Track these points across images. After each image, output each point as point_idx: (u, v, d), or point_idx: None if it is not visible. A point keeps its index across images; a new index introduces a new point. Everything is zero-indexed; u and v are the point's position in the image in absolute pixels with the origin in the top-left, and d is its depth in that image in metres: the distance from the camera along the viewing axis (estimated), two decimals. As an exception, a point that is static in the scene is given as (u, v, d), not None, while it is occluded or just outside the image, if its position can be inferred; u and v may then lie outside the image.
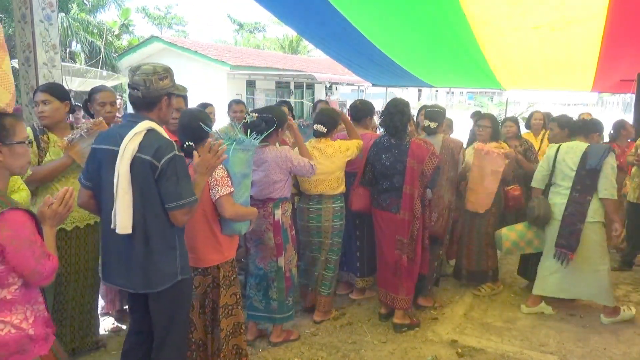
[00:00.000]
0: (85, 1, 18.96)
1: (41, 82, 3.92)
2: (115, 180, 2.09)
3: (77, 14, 17.69)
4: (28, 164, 1.89)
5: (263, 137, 2.91)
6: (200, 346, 2.76)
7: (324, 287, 3.69)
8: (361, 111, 4.03)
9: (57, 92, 2.90)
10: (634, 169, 4.82)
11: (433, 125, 3.90)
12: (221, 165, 2.55)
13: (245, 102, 15.67)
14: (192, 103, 4.54)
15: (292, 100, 17.58)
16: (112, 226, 2.12)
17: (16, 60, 4.38)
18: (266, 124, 3.04)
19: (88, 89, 3.73)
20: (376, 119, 5.39)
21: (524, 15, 4.63)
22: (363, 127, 3.97)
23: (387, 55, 6.82)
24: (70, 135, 2.78)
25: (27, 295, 1.77)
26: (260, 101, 16.64)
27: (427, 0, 4.73)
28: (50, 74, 4.04)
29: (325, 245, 3.63)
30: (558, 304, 4.07)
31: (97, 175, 2.24)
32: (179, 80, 2.42)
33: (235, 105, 4.81)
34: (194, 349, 2.75)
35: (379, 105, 17.89)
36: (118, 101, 6.58)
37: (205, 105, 4.44)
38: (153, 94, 2.19)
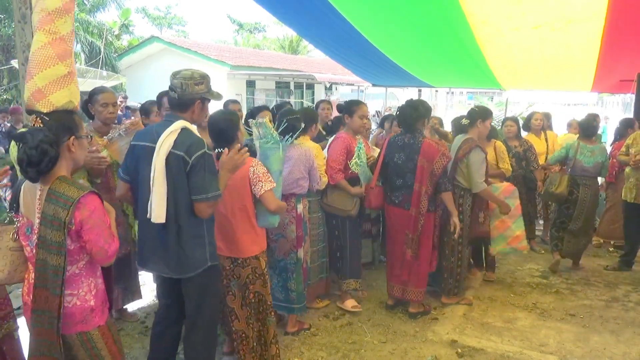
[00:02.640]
0: (85, 1, 18.94)
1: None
2: (152, 174, 2.28)
3: (77, 14, 17.68)
4: (83, 160, 2.10)
5: (295, 136, 3.17)
6: (243, 338, 2.87)
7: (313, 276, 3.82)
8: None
9: None
10: (627, 169, 4.83)
11: (466, 122, 4.03)
12: (260, 162, 2.81)
13: (246, 102, 15.70)
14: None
15: (292, 100, 17.59)
16: (147, 216, 2.30)
17: (16, 60, 4.37)
18: (298, 123, 3.28)
19: (88, 89, 3.73)
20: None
21: (524, 15, 4.63)
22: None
23: (386, 55, 6.81)
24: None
25: (91, 269, 1.99)
26: (261, 101, 16.63)
27: (427, 0, 4.73)
28: (50, 74, 4.03)
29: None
30: (557, 305, 4.08)
31: (134, 169, 2.45)
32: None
33: (231, 105, 4.54)
34: (235, 338, 2.90)
35: (378, 105, 17.85)
36: (119, 101, 6.56)
37: None
38: (187, 96, 2.39)
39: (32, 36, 4.00)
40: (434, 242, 3.76)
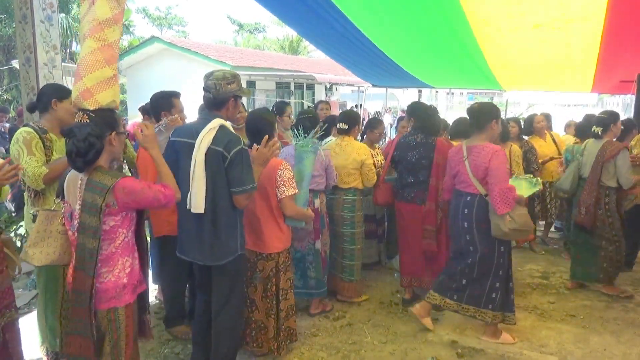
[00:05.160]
0: (85, 2, 18.96)
1: (41, 82, 3.91)
2: (192, 168, 2.47)
3: (78, 15, 17.69)
4: (120, 153, 2.31)
5: (328, 140, 3.61)
6: (261, 328, 3.08)
7: (344, 274, 3.99)
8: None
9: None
10: None
11: (598, 130, 4.19)
12: (289, 167, 2.99)
13: (246, 103, 15.73)
14: (192, 105, 4.53)
15: (292, 100, 17.59)
16: (187, 207, 2.49)
17: (17, 61, 4.37)
18: (310, 123, 3.47)
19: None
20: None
21: (524, 14, 4.64)
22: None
23: (387, 55, 6.82)
24: None
25: (126, 250, 2.21)
26: (261, 102, 16.64)
27: (428, 0, 4.73)
28: (50, 74, 4.04)
29: (337, 233, 3.94)
30: (557, 306, 4.08)
31: (175, 164, 2.59)
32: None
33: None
34: (253, 328, 3.08)
35: (378, 106, 17.85)
36: None
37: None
38: (222, 96, 2.58)
39: (33, 37, 4.03)
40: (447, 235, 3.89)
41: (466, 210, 3.29)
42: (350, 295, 4.04)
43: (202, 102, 4.73)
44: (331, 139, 4.06)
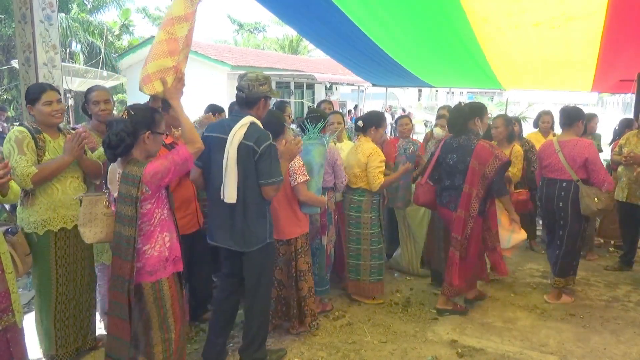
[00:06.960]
0: (85, 1, 18.95)
1: (41, 82, 3.91)
2: (224, 161, 2.65)
3: (78, 14, 17.69)
4: (157, 152, 2.45)
5: (336, 135, 3.81)
6: (289, 305, 3.40)
7: (350, 273, 4.04)
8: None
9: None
10: (619, 168, 4.80)
11: None
12: (299, 157, 3.19)
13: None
14: (192, 104, 4.54)
15: (292, 100, 17.58)
16: (220, 197, 2.68)
17: (16, 61, 4.37)
18: (318, 122, 3.60)
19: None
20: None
21: (524, 13, 4.63)
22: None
23: (387, 54, 6.82)
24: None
25: (164, 226, 2.39)
26: (261, 101, 16.59)
27: None
28: (50, 74, 4.04)
29: (343, 231, 4.03)
30: (557, 305, 4.08)
31: (207, 157, 2.78)
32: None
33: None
34: (283, 304, 3.40)
35: (378, 105, 17.84)
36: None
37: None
38: (254, 95, 2.76)
39: (32, 36, 4.03)
40: (484, 248, 3.80)
41: (562, 193, 3.87)
42: (358, 294, 4.05)
43: (203, 101, 4.81)
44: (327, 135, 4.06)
